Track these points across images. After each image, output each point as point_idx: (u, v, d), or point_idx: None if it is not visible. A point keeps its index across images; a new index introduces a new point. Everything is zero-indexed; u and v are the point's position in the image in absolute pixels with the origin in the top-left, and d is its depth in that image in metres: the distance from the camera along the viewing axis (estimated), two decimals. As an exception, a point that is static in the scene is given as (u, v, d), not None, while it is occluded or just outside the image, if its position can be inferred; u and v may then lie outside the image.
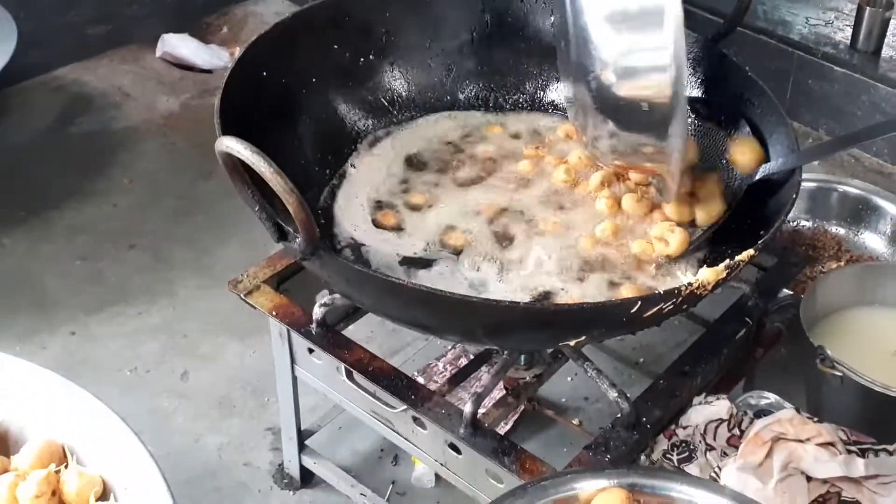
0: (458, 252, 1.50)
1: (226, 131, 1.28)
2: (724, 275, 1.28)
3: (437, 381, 2.00)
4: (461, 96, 1.81)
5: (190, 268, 2.45)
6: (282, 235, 1.30)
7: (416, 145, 1.73)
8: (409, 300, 1.28)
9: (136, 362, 2.22)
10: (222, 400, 2.14)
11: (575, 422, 2.05)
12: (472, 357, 1.84)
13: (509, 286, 1.43)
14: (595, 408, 2.11)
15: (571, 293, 1.41)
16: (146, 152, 2.85)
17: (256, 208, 1.28)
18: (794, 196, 1.40)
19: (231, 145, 1.19)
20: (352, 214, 1.58)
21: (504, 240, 1.53)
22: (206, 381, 2.18)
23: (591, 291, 1.42)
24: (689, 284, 1.26)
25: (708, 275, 1.27)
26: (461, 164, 1.69)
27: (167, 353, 2.24)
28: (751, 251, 1.31)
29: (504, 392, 1.76)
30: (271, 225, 1.29)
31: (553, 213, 1.57)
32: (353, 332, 1.86)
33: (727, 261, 1.29)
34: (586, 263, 1.48)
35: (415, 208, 1.60)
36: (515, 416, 2.03)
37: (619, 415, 1.44)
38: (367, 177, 1.66)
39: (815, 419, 1.42)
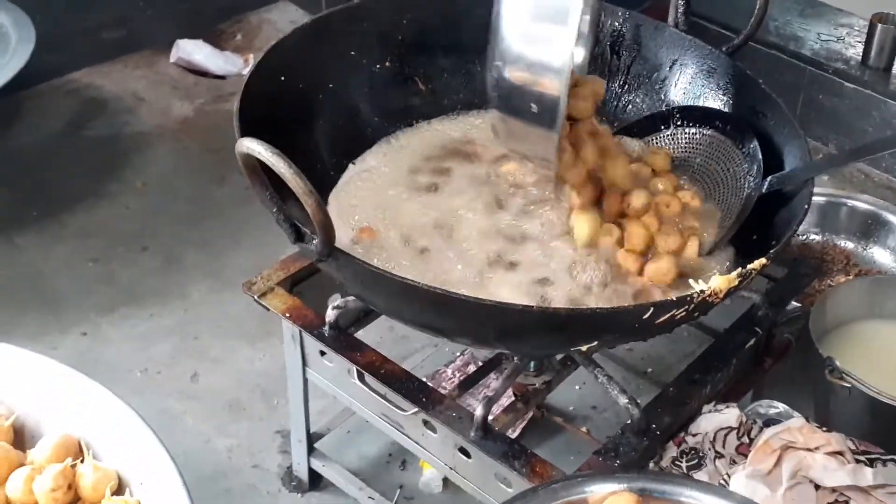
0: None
1: (244, 134, 1.29)
2: (736, 283, 1.29)
3: (445, 387, 2.01)
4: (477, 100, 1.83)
5: (202, 271, 2.47)
6: (299, 237, 1.32)
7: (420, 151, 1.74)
8: (423, 302, 1.29)
9: (147, 364, 2.23)
10: (232, 402, 2.15)
11: (583, 430, 2.06)
12: (480, 363, 1.85)
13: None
14: (603, 417, 2.12)
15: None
16: (159, 156, 2.87)
17: (274, 210, 1.29)
18: (806, 207, 1.41)
19: (252, 146, 1.20)
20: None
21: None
22: (217, 384, 2.19)
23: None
24: (702, 292, 1.27)
25: (720, 282, 1.28)
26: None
27: (178, 354, 2.26)
28: (763, 260, 1.32)
29: (513, 398, 1.78)
30: (289, 227, 1.31)
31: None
32: (363, 337, 1.87)
33: (739, 269, 1.30)
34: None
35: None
36: (524, 423, 2.04)
37: (628, 421, 1.45)
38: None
39: (825, 429, 1.43)
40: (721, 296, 1.30)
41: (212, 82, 3.18)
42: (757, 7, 1.69)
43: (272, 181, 1.25)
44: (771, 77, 2.55)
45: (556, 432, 2.06)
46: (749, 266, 1.31)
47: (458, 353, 2.17)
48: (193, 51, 3.22)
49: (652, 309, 1.25)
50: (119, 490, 1.26)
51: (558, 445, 2.04)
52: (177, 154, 2.88)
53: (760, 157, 1.56)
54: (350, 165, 1.70)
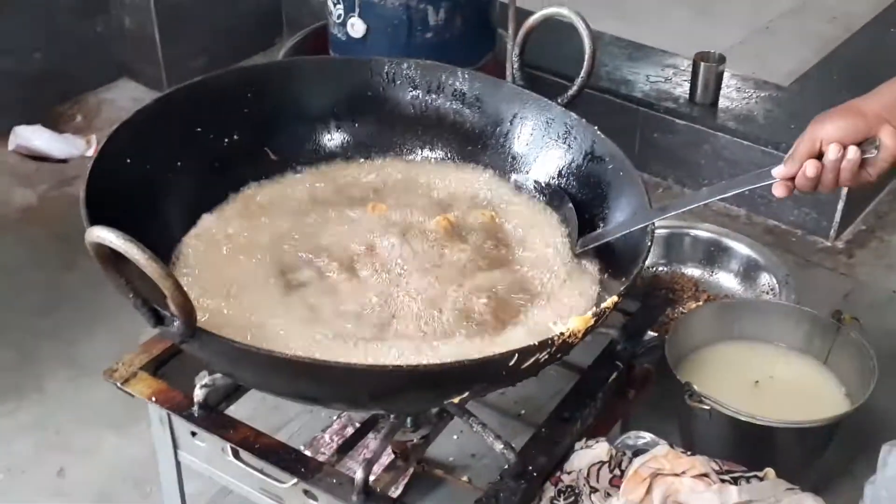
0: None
1: (94, 221, 1.27)
2: (593, 322, 1.35)
3: (325, 453, 2.00)
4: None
5: (58, 361, 2.39)
6: (159, 320, 1.30)
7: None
8: (293, 373, 1.29)
9: (10, 463, 2.14)
10: (102, 495, 2.08)
11: (464, 479, 2.08)
12: (357, 425, 1.85)
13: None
14: (482, 463, 2.15)
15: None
16: (3, 248, 2.77)
17: (131, 296, 1.27)
18: (650, 244, 1.48)
19: (102, 235, 1.19)
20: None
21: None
22: (85, 477, 2.11)
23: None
24: (562, 334, 1.32)
25: (577, 323, 1.34)
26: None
27: (41, 450, 2.17)
28: (615, 297, 1.38)
29: (393, 456, 1.78)
30: (148, 311, 1.29)
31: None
32: (235, 411, 1.85)
33: (594, 308, 1.36)
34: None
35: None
36: (405, 480, 2.04)
37: (506, 466, 1.48)
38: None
39: (689, 453, 1.49)
40: (580, 336, 1.35)
41: (54, 167, 3.10)
42: (585, 60, 1.77)
43: (124, 266, 1.23)
44: (607, 120, 2.63)
45: (438, 485, 2.07)
46: (602, 304, 1.37)
47: (334, 417, 2.17)
48: (32, 136, 3.14)
49: (517, 355, 1.29)
50: None
51: (442, 497, 2.06)
52: (22, 244, 2.79)
53: (576, 220, 1.65)
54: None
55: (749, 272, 2.45)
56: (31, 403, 2.28)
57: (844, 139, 1.32)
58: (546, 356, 1.34)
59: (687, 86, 2.92)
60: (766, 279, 2.39)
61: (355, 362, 1.28)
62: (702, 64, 2.84)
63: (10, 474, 2.11)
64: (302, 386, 1.36)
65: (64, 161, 3.12)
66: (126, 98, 3.39)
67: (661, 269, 2.55)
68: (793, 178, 1.37)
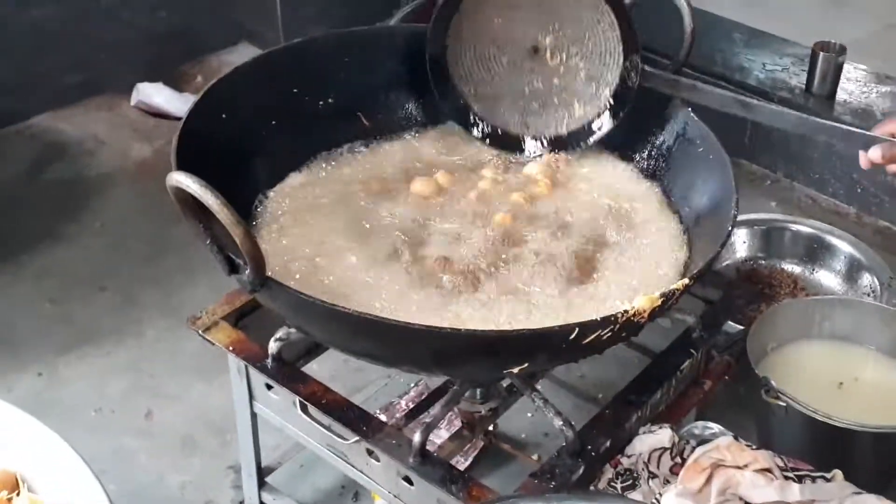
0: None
1: (181, 168, 1.32)
2: (659, 302, 1.32)
3: (399, 419, 2.03)
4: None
5: (159, 309, 2.49)
6: (232, 268, 1.34)
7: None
8: (355, 328, 1.32)
9: (102, 403, 2.24)
10: (185, 439, 2.16)
11: (534, 457, 2.08)
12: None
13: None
14: (555, 443, 2.11)
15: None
16: (118, 198, 2.90)
17: (207, 241, 1.32)
18: (730, 229, 1.44)
19: (181, 179, 1.23)
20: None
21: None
22: (171, 421, 2.20)
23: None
24: (626, 311, 1.30)
25: (643, 302, 1.31)
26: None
27: (132, 393, 2.27)
28: (686, 280, 1.35)
29: (460, 426, 1.80)
30: (222, 258, 1.33)
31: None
32: (317, 371, 1.90)
33: (662, 290, 1.33)
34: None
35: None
36: (475, 452, 2.05)
37: (564, 443, 1.47)
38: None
39: (753, 446, 1.46)
40: (646, 315, 1.32)
41: (172, 124, 3.21)
42: (685, 38, 1.73)
43: (208, 214, 1.27)
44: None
45: (508, 460, 2.07)
46: (672, 286, 1.34)
47: (412, 385, 2.19)
48: (153, 94, 3.26)
49: (577, 329, 1.28)
50: (54, 522, 1.27)
51: (510, 473, 2.06)
52: (135, 195, 2.91)
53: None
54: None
55: (851, 272, 2.36)
56: (128, 348, 2.39)
57: None
58: (609, 333, 1.32)
59: (804, 76, 2.82)
60: (868, 280, 2.30)
61: (415, 322, 1.29)
62: (821, 54, 2.74)
63: (101, 413, 2.21)
64: (362, 343, 1.38)
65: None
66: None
67: (760, 262, 2.48)
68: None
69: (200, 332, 1.72)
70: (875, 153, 1.44)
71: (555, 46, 1.78)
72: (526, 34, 1.78)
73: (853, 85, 2.84)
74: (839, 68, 2.76)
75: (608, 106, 1.75)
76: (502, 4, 1.77)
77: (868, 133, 1.49)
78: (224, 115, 1.66)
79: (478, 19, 1.77)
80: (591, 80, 1.77)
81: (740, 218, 2.43)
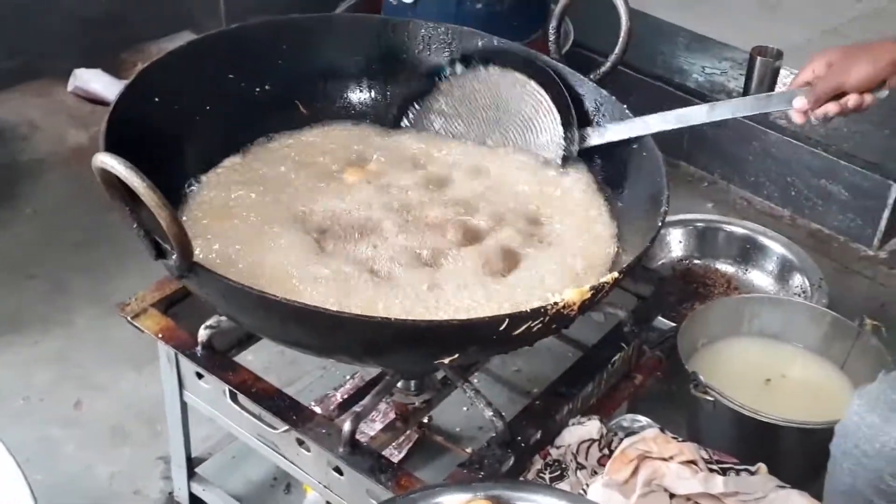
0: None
1: (110, 150, 1.29)
2: (589, 295, 1.33)
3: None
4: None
5: (88, 297, 2.44)
6: (159, 253, 1.32)
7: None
8: (283, 316, 1.30)
9: (29, 391, 2.19)
10: (115, 428, 2.13)
11: (468, 450, 2.08)
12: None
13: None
14: (489, 437, 2.14)
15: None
16: (52, 184, 2.84)
17: (134, 225, 1.29)
18: (660, 223, 1.46)
19: (106, 161, 1.21)
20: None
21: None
22: (100, 410, 2.17)
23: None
24: (556, 304, 1.31)
25: (573, 295, 1.32)
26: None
27: (61, 381, 2.22)
28: (615, 274, 1.36)
29: (394, 417, 1.79)
30: (149, 242, 1.31)
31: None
32: (251, 361, 1.88)
33: (591, 283, 1.34)
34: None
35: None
36: (409, 445, 2.05)
37: (493, 433, 1.48)
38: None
39: (679, 439, 1.47)
40: (576, 308, 1.33)
41: (108, 109, 3.16)
42: (620, 37, 1.74)
43: (136, 198, 1.25)
44: (658, 108, 2.62)
45: (442, 453, 2.08)
46: (602, 280, 1.35)
47: (347, 377, 2.18)
48: (91, 80, 3.20)
49: (507, 320, 1.28)
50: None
51: (444, 466, 2.05)
52: (69, 181, 2.85)
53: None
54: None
55: (783, 272, 2.40)
56: (56, 336, 2.34)
57: (865, 87, 1.47)
58: (539, 325, 1.32)
59: (742, 80, 2.87)
60: (799, 281, 2.34)
61: (344, 311, 1.28)
62: (758, 58, 2.78)
63: (29, 402, 2.17)
64: (292, 332, 1.37)
65: (119, 106, 3.17)
66: (186, 50, 3.43)
67: (695, 262, 2.52)
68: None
69: (129, 318, 1.70)
70: (800, 102, 1.51)
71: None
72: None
73: (789, 89, 2.88)
74: (776, 72, 2.80)
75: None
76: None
77: (784, 91, 1.57)
78: (157, 100, 1.63)
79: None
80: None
81: (677, 218, 2.49)
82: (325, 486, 1.59)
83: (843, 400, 1.85)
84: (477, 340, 1.35)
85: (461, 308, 1.44)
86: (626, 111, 1.70)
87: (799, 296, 2.31)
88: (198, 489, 1.92)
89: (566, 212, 1.65)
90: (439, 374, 1.73)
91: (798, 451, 1.80)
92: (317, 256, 1.50)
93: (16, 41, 3.19)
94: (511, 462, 1.48)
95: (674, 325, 1.96)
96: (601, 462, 1.48)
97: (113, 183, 1.25)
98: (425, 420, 2.07)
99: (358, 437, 1.48)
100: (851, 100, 1.48)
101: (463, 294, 1.46)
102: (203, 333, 1.61)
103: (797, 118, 1.54)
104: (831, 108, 1.49)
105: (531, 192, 1.70)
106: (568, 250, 1.56)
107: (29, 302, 2.42)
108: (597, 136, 1.70)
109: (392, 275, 1.49)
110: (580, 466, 1.47)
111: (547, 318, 1.32)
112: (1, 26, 3.12)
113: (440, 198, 1.67)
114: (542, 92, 1.73)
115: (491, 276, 1.50)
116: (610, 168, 1.71)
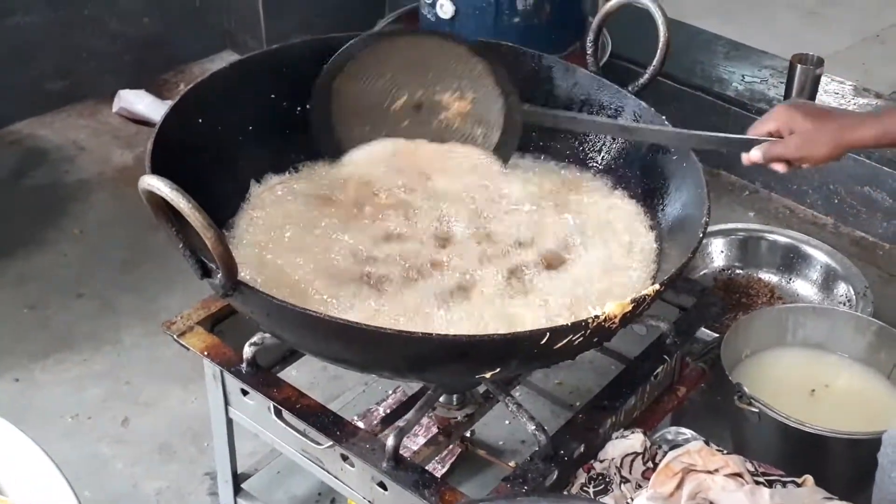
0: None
1: (156, 172, 1.32)
2: (630, 308, 1.33)
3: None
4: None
5: (135, 316, 2.48)
6: (205, 272, 1.34)
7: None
8: (326, 333, 1.32)
9: (78, 409, 2.23)
10: (162, 445, 2.16)
11: (511, 464, 2.08)
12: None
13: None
14: (532, 451, 2.14)
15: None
16: (98, 204, 2.89)
17: (180, 245, 1.32)
18: (702, 234, 1.46)
19: (152, 183, 1.23)
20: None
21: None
22: (147, 427, 2.20)
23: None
24: (597, 317, 1.31)
25: (614, 308, 1.32)
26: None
27: (109, 399, 2.26)
28: (656, 286, 1.36)
29: (436, 432, 1.80)
30: (195, 262, 1.33)
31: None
32: (296, 378, 1.90)
33: (632, 295, 1.34)
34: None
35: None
36: (452, 459, 2.06)
37: (536, 448, 1.48)
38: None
39: (725, 451, 1.46)
40: (617, 321, 1.33)
41: (153, 131, 3.21)
42: (658, 48, 1.74)
43: (182, 219, 1.27)
44: (698, 118, 2.62)
45: (485, 467, 2.08)
46: (643, 292, 1.35)
47: (390, 392, 2.19)
48: (135, 101, 3.26)
49: (548, 334, 1.29)
50: (23, 526, 1.27)
51: (487, 480, 2.06)
52: (115, 201, 2.90)
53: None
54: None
55: (827, 281, 2.38)
56: (105, 353, 2.38)
57: (820, 164, 1.53)
58: (580, 338, 1.33)
59: (782, 87, 2.84)
60: (843, 289, 2.32)
61: (385, 326, 1.29)
62: (798, 66, 2.75)
63: (78, 420, 2.21)
64: (335, 347, 1.38)
65: (163, 126, 3.22)
66: (227, 70, 3.48)
67: (737, 271, 2.50)
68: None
69: (175, 336, 1.72)
70: (756, 154, 1.56)
71: (432, 102, 1.79)
72: (404, 94, 1.80)
73: (831, 97, 2.86)
74: (817, 80, 2.78)
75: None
76: (374, 72, 1.78)
77: (746, 137, 1.59)
78: (201, 120, 1.66)
79: (355, 87, 1.78)
80: (478, 124, 1.79)
81: (718, 228, 2.48)
82: (369, 502, 1.60)
83: (890, 410, 1.84)
84: (518, 354, 1.36)
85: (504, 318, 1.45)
86: (666, 122, 1.70)
87: (844, 305, 2.29)
88: (244, 504, 1.94)
89: (605, 225, 1.65)
90: (481, 388, 1.74)
91: (845, 463, 1.78)
92: (359, 273, 1.52)
93: (62, 63, 3.26)
94: (555, 476, 1.48)
95: (717, 336, 1.95)
96: (645, 476, 1.47)
97: (159, 204, 1.27)
98: (468, 434, 2.08)
99: (401, 451, 1.49)
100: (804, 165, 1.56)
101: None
102: (248, 350, 1.63)
103: (746, 162, 1.59)
104: (780, 167, 1.56)
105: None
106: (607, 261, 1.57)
107: (78, 320, 2.47)
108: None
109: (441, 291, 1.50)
110: (624, 480, 1.47)
111: (588, 331, 1.32)
112: (47, 49, 3.19)
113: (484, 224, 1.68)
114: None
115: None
116: (650, 180, 1.71)
